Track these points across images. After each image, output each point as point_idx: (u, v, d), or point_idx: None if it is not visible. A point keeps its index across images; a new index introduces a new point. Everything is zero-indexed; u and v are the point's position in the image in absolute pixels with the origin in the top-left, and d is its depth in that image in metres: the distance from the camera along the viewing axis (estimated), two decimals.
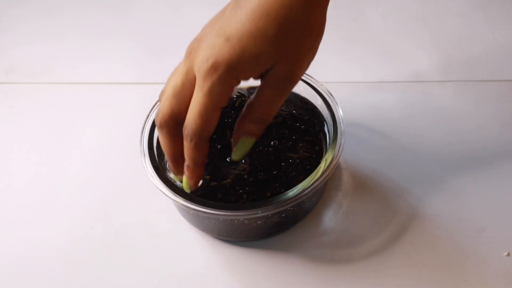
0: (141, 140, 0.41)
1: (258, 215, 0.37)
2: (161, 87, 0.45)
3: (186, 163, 0.35)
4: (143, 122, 0.42)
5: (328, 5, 0.34)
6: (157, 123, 0.35)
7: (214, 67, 0.32)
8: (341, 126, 0.41)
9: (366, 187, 0.46)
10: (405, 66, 0.56)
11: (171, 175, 0.39)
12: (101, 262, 0.43)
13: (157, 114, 0.35)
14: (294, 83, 0.34)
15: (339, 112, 0.41)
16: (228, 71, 0.32)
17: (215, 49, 0.32)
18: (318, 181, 0.38)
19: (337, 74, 0.56)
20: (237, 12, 0.32)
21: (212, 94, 0.32)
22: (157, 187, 0.38)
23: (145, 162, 0.40)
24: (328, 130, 0.43)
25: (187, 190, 0.37)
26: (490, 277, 0.40)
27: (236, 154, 0.36)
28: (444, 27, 0.60)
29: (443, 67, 0.56)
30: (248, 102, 0.35)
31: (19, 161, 0.50)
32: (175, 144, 0.35)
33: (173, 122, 0.35)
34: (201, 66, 0.32)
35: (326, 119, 0.43)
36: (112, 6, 0.66)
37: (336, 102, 0.42)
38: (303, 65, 0.34)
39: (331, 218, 0.44)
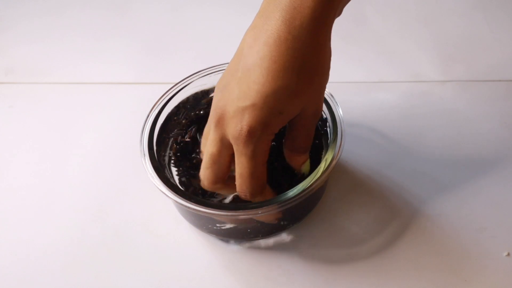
0: (141, 140, 0.41)
1: (258, 215, 0.37)
2: (161, 87, 0.45)
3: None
4: (143, 122, 0.42)
5: (330, 36, 0.35)
6: (207, 188, 0.38)
7: (250, 134, 0.33)
8: (341, 126, 0.41)
9: (366, 187, 0.46)
10: (405, 66, 0.56)
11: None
12: (101, 262, 0.43)
13: (202, 182, 0.38)
14: (319, 115, 0.37)
15: (339, 112, 0.41)
16: (264, 131, 0.34)
17: (244, 117, 0.33)
18: (318, 181, 0.38)
19: (337, 74, 0.56)
20: (252, 73, 0.33)
21: (256, 156, 0.35)
22: (157, 187, 0.38)
23: (145, 162, 0.40)
24: (328, 130, 0.43)
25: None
26: (490, 277, 0.40)
27: (306, 171, 0.40)
28: (444, 27, 0.60)
29: (443, 67, 0.56)
30: (286, 138, 0.38)
31: (19, 161, 0.50)
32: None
33: (220, 184, 0.37)
34: (237, 136, 0.34)
35: (326, 119, 0.43)
36: (112, 6, 0.66)
37: (336, 102, 0.42)
38: (323, 97, 0.36)
39: (331, 218, 0.44)
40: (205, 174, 0.37)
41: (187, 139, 0.42)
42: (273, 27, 0.33)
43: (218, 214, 0.37)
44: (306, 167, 0.39)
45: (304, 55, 0.33)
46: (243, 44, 0.35)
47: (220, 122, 0.35)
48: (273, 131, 0.35)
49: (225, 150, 0.36)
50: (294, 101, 0.34)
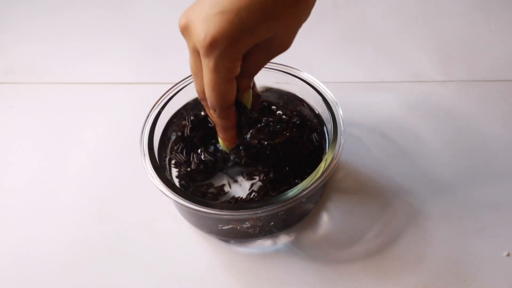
0: (141, 140, 0.41)
1: (258, 215, 0.37)
2: (161, 87, 0.45)
3: (218, 128, 0.37)
4: (143, 122, 0.42)
5: None
6: (201, 99, 0.36)
7: (213, 44, 0.31)
8: (341, 126, 0.41)
9: (366, 187, 0.46)
10: (405, 66, 0.56)
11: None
12: (101, 262, 0.43)
13: (198, 95, 0.36)
14: (287, 49, 0.34)
15: (339, 112, 0.41)
16: (229, 46, 0.31)
17: (210, 24, 0.30)
18: (318, 181, 0.38)
19: (337, 74, 0.56)
20: None
21: (218, 70, 0.32)
22: (157, 187, 0.38)
23: (145, 162, 0.40)
24: (328, 130, 0.43)
25: (226, 150, 0.39)
26: (490, 277, 0.40)
27: (247, 102, 0.37)
28: (444, 27, 0.60)
29: (443, 67, 0.56)
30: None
31: (19, 161, 0.50)
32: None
33: (205, 96, 0.35)
34: (200, 43, 0.31)
35: (326, 119, 0.43)
36: (112, 6, 0.66)
37: (336, 102, 0.42)
38: (298, 29, 0.33)
39: (331, 218, 0.44)
40: (195, 86, 0.36)
41: (193, 167, 0.42)
42: None
43: (218, 214, 0.37)
44: (248, 96, 0.37)
45: None
46: None
47: (187, 29, 0.32)
48: (239, 50, 0.31)
49: (200, 62, 0.33)
50: (268, 22, 0.31)
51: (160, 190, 0.38)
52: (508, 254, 0.41)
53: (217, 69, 0.32)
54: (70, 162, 0.50)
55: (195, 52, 0.33)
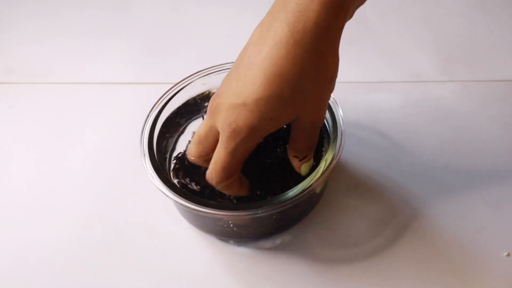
0: (141, 140, 0.41)
1: (258, 215, 0.37)
2: (161, 87, 0.45)
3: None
4: (143, 122, 0.42)
5: (338, 43, 0.34)
6: (191, 160, 0.39)
7: (236, 132, 0.33)
8: (341, 126, 0.41)
9: (366, 187, 0.46)
10: (405, 66, 0.56)
11: None
12: (101, 262, 0.43)
13: (188, 155, 0.39)
14: (321, 123, 0.37)
15: (339, 112, 0.41)
16: (250, 134, 0.34)
17: (235, 113, 0.33)
18: (318, 181, 0.38)
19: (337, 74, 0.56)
20: (250, 72, 0.33)
21: (235, 154, 0.35)
22: (157, 187, 0.38)
23: (145, 162, 0.40)
24: (328, 130, 0.43)
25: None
26: (490, 277, 0.40)
27: (305, 171, 0.39)
28: (444, 27, 0.60)
29: (443, 67, 0.56)
30: (289, 138, 0.38)
31: (19, 161, 0.50)
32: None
33: (200, 160, 0.39)
34: (224, 128, 0.34)
35: (326, 119, 0.43)
36: (112, 6, 0.66)
37: (336, 102, 0.42)
38: (324, 107, 0.36)
39: (331, 218, 0.44)
40: (190, 149, 0.39)
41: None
42: (277, 29, 0.32)
43: (218, 214, 0.37)
44: (305, 168, 0.39)
45: (304, 62, 0.32)
46: (251, 40, 0.34)
47: (214, 111, 0.35)
48: (261, 135, 0.34)
49: (212, 136, 0.36)
50: (286, 109, 0.33)
51: (160, 190, 0.38)
52: (508, 254, 0.41)
53: (235, 153, 0.35)
54: (70, 162, 0.50)
55: (211, 129, 0.36)
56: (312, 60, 0.32)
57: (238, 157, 0.35)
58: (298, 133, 0.37)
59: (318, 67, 0.33)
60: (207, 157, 0.38)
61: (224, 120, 0.34)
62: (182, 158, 0.43)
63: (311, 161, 0.39)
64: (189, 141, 0.44)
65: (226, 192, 0.38)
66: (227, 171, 0.36)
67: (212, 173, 0.37)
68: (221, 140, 0.35)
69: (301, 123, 0.35)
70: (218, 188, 0.37)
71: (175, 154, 0.44)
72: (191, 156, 0.39)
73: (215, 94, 0.36)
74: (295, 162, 0.39)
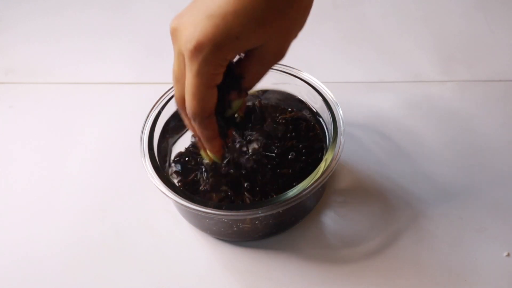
0: (141, 140, 0.41)
1: (258, 215, 0.37)
2: (161, 87, 0.45)
3: (202, 139, 0.36)
4: (143, 122, 0.42)
5: None
6: (178, 108, 0.36)
7: (198, 48, 0.30)
8: (341, 126, 0.41)
9: (366, 187, 0.46)
10: (405, 66, 0.56)
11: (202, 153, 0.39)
12: (101, 262, 0.43)
13: (175, 101, 0.36)
14: (281, 57, 0.33)
15: (339, 112, 0.41)
16: (214, 50, 0.30)
17: (196, 28, 0.30)
18: (318, 181, 0.38)
19: (337, 74, 0.56)
20: None
21: (201, 75, 0.31)
22: (157, 187, 0.38)
23: (145, 162, 0.40)
24: (328, 130, 0.43)
25: (218, 161, 0.39)
26: (490, 277, 0.40)
27: (230, 112, 0.36)
28: (444, 27, 0.60)
29: (443, 67, 0.56)
30: (237, 65, 0.34)
31: (19, 161, 0.50)
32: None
33: (184, 104, 0.35)
34: (186, 47, 0.31)
35: (326, 119, 0.43)
36: (112, 6, 0.66)
37: (336, 102, 0.42)
38: (291, 39, 0.33)
39: (331, 218, 0.44)
40: (175, 94, 0.35)
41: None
42: None
43: (218, 214, 0.37)
44: (237, 104, 0.36)
45: None
46: None
47: (175, 32, 0.32)
48: (225, 56, 0.31)
49: (183, 66, 0.33)
50: (256, 30, 0.30)
51: (160, 190, 0.38)
52: (508, 254, 0.41)
53: (200, 73, 0.31)
54: (70, 162, 0.50)
55: (180, 56, 0.32)
56: None
57: (205, 81, 0.31)
58: (254, 63, 0.33)
59: None
60: (211, 109, 0.34)
61: (185, 38, 0.31)
62: (181, 158, 0.43)
63: (241, 100, 0.36)
64: (192, 142, 0.44)
65: (207, 145, 0.36)
66: (198, 98, 0.32)
67: (187, 103, 0.33)
68: (186, 63, 0.31)
69: (263, 52, 0.32)
70: (196, 122, 0.34)
71: (174, 154, 0.44)
72: (175, 100, 0.35)
73: (175, 17, 0.32)
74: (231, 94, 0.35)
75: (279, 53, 0.33)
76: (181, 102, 0.34)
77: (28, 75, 0.59)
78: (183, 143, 0.44)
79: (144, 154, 0.40)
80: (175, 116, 0.45)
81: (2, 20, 0.65)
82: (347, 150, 0.48)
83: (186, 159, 0.43)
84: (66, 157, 0.50)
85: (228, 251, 0.43)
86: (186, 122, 0.36)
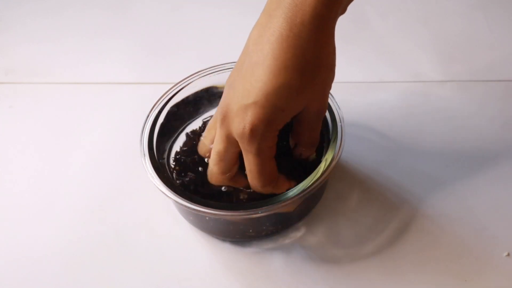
0: (141, 140, 0.41)
1: (258, 215, 0.37)
2: (161, 87, 0.45)
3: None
4: (143, 122, 0.42)
5: (334, 33, 0.35)
6: (213, 183, 0.40)
7: (253, 132, 0.34)
8: (341, 126, 0.41)
9: (366, 187, 0.46)
10: (405, 66, 0.56)
11: None
12: (101, 262, 0.43)
13: (210, 178, 0.40)
14: (324, 113, 0.38)
15: (339, 112, 0.41)
16: (267, 128, 0.34)
17: (247, 115, 0.34)
18: (318, 181, 0.38)
19: (337, 74, 0.56)
20: (255, 71, 0.33)
21: (262, 152, 0.35)
22: (157, 187, 0.38)
23: (145, 162, 0.40)
24: (328, 130, 0.43)
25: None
26: (490, 277, 0.40)
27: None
28: (444, 27, 0.60)
29: (443, 67, 0.56)
30: (292, 133, 0.39)
31: (19, 161, 0.50)
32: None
33: (226, 179, 0.39)
34: (241, 134, 0.34)
35: (326, 119, 0.43)
36: (112, 6, 0.66)
37: (336, 102, 0.42)
38: (327, 95, 0.37)
39: (331, 218, 0.44)
40: (212, 170, 0.39)
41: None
42: (276, 24, 0.33)
43: (218, 214, 0.37)
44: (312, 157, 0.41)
45: (306, 53, 0.33)
46: (249, 42, 0.35)
47: (225, 120, 0.35)
48: (277, 128, 0.35)
49: (231, 148, 0.37)
50: (296, 98, 0.34)
51: (160, 190, 0.38)
52: (508, 254, 0.41)
53: (260, 151, 0.35)
54: (70, 162, 0.50)
55: (228, 139, 0.36)
56: (313, 50, 0.33)
57: (266, 155, 0.36)
58: (303, 125, 0.37)
59: (320, 56, 0.34)
60: (231, 172, 0.38)
61: (238, 125, 0.34)
62: (180, 159, 0.43)
63: (314, 155, 0.40)
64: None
65: (278, 192, 0.38)
66: (264, 173, 0.36)
67: (253, 181, 0.37)
68: (243, 147, 0.35)
69: (307, 113, 0.36)
70: (269, 190, 0.38)
71: (174, 154, 0.44)
72: (215, 178, 0.39)
73: (221, 103, 0.36)
74: (302, 155, 0.40)
75: (321, 109, 0.37)
76: (223, 177, 0.39)
77: (28, 75, 0.58)
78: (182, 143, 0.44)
79: (144, 154, 0.40)
80: (174, 115, 0.45)
81: (2, 20, 0.65)
82: (347, 150, 0.48)
83: (183, 159, 0.43)
84: (66, 157, 0.50)
85: (228, 251, 0.43)
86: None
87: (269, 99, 0.33)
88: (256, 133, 0.34)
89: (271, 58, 0.33)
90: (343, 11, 0.36)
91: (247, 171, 0.37)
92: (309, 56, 0.33)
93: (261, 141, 0.34)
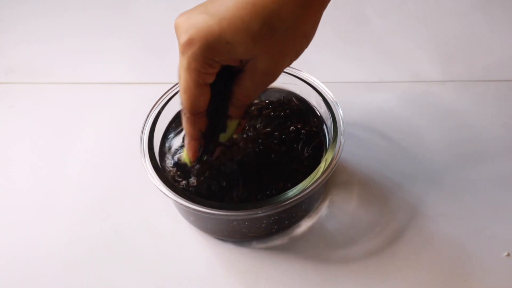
0: (141, 140, 0.41)
1: (258, 215, 0.37)
2: (161, 87, 0.45)
3: (185, 135, 0.37)
4: (143, 122, 0.42)
5: (323, 9, 0.33)
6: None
7: (189, 42, 0.31)
8: (341, 126, 0.41)
9: (366, 187, 0.46)
10: (405, 66, 0.56)
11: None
12: (101, 261, 0.43)
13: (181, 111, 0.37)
14: (272, 78, 0.34)
15: (339, 112, 0.41)
16: (202, 49, 0.31)
17: (191, 25, 0.31)
18: (318, 181, 0.38)
19: (337, 74, 0.56)
20: None
21: (189, 70, 0.32)
22: (157, 187, 0.38)
23: (145, 162, 0.40)
24: (328, 130, 0.43)
25: (188, 163, 0.39)
26: (490, 277, 0.40)
27: (223, 136, 0.37)
28: (444, 27, 0.60)
29: (443, 67, 0.56)
30: (235, 82, 0.35)
31: (19, 161, 0.50)
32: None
33: (196, 118, 0.36)
34: (179, 41, 0.32)
35: (326, 119, 0.43)
36: (112, 6, 0.66)
37: (336, 102, 0.42)
38: (284, 63, 0.34)
39: (331, 218, 0.44)
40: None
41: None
42: None
43: (218, 214, 0.37)
44: (231, 126, 0.37)
45: (282, 5, 0.31)
46: None
47: (176, 30, 0.33)
48: (213, 57, 0.32)
49: (189, 75, 0.34)
50: (246, 41, 0.31)
51: (160, 190, 0.38)
52: (508, 254, 0.41)
53: (188, 69, 0.32)
54: (70, 162, 0.50)
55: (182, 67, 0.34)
56: (291, 6, 0.31)
57: (194, 76, 0.33)
58: (245, 78, 0.34)
59: (295, 17, 0.31)
60: (200, 107, 0.35)
61: (180, 33, 0.32)
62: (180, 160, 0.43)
63: (235, 123, 0.37)
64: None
65: (186, 142, 0.37)
66: (188, 94, 0.33)
67: (180, 99, 0.35)
68: (179, 58, 0.33)
69: (253, 66, 0.33)
70: (185, 117, 0.35)
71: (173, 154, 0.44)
72: (185, 109, 0.36)
73: (180, 14, 0.34)
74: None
75: (270, 73, 0.34)
76: (190, 109, 0.35)
77: (28, 75, 0.59)
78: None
79: (144, 154, 0.40)
80: (176, 115, 0.45)
81: (2, 20, 0.65)
82: (347, 150, 0.48)
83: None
84: (66, 157, 0.50)
85: (228, 251, 0.43)
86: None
87: (221, 23, 0.31)
88: (190, 46, 0.31)
89: None
90: None
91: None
92: (284, 9, 0.31)
93: (191, 57, 0.32)
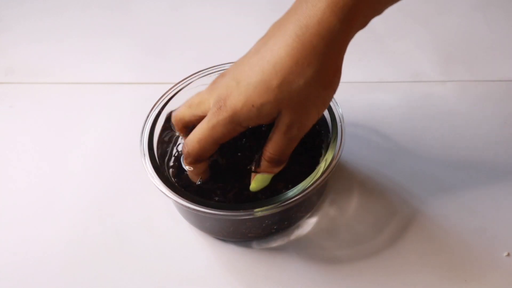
0: (141, 140, 0.41)
1: (258, 215, 0.37)
2: (161, 87, 0.45)
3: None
4: (143, 122, 0.42)
5: (342, 56, 0.33)
6: (172, 121, 0.40)
7: (221, 109, 0.34)
8: (341, 126, 0.41)
9: (366, 187, 0.46)
10: (405, 66, 0.56)
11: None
12: (101, 262, 0.43)
13: (173, 116, 0.40)
14: (302, 130, 0.35)
15: (339, 112, 0.41)
16: (231, 116, 0.34)
17: (227, 92, 0.34)
18: (318, 181, 0.38)
19: None
20: (252, 58, 0.34)
21: (214, 131, 0.35)
22: (157, 187, 0.38)
23: (145, 162, 0.40)
24: (328, 130, 0.43)
25: (193, 180, 0.41)
26: (490, 277, 0.40)
27: (254, 186, 0.38)
28: (444, 27, 0.60)
29: (443, 67, 0.56)
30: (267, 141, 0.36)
31: (19, 161, 0.50)
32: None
33: (181, 125, 0.39)
34: (214, 103, 0.35)
35: (326, 119, 0.43)
36: (112, 6, 0.66)
37: (336, 102, 0.42)
38: (311, 114, 0.34)
39: (330, 218, 0.44)
40: (178, 109, 0.39)
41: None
42: (288, 23, 0.33)
43: (218, 214, 0.37)
44: (256, 181, 0.38)
45: (300, 57, 0.32)
46: (266, 33, 0.35)
47: (212, 86, 0.36)
48: (241, 122, 0.34)
49: (203, 107, 0.36)
50: (270, 99, 0.33)
51: (160, 190, 0.38)
52: (508, 254, 0.41)
53: (214, 129, 0.35)
54: (70, 162, 0.50)
55: (205, 100, 0.36)
56: (309, 58, 0.32)
57: (215, 136, 0.35)
58: (275, 132, 0.35)
59: (317, 68, 0.32)
60: (187, 124, 0.38)
61: (217, 96, 0.35)
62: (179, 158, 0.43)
63: (267, 177, 0.38)
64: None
65: (192, 174, 0.39)
66: (202, 146, 0.36)
67: (188, 142, 0.37)
68: (208, 114, 0.35)
69: (281, 121, 0.34)
70: (187, 162, 0.38)
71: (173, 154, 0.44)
72: (175, 116, 0.39)
73: (222, 73, 0.37)
74: (256, 169, 0.38)
75: (296, 125, 0.34)
76: (179, 121, 0.39)
77: (28, 75, 0.59)
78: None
79: (144, 154, 0.40)
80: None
81: (2, 20, 0.65)
82: (347, 150, 0.48)
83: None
84: (66, 157, 0.50)
85: (228, 251, 0.43)
86: (177, 130, 0.40)
87: (247, 89, 0.33)
88: (221, 112, 0.34)
89: (269, 52, 0.33)
90: (363, 25, 0.33)
91: (193, 131, 0.36)
92: (303, 62, 0.32)
93: (220, 122, 0.34)
